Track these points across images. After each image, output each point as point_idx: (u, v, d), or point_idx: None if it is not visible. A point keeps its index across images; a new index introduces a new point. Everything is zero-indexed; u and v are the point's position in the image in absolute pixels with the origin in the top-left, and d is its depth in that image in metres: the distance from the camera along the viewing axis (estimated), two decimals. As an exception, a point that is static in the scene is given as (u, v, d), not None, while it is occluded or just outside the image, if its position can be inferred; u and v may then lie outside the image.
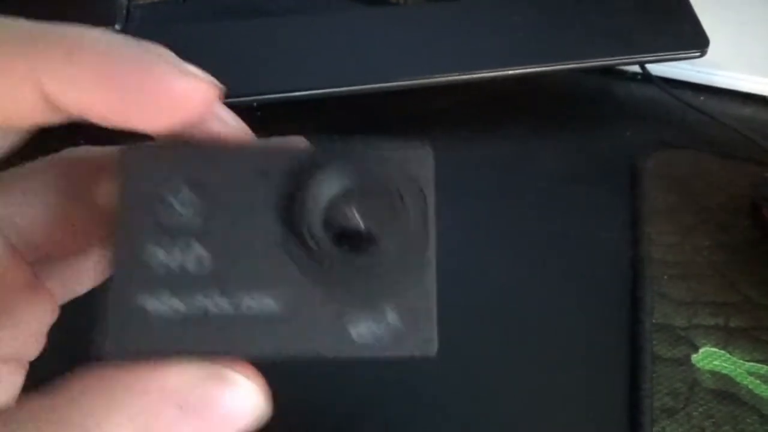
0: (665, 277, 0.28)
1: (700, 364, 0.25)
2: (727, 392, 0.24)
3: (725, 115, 0.34)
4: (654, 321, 0.26)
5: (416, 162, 0.15)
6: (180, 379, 0.12)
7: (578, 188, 0.32)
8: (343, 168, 0.14)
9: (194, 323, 0.13)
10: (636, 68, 0.36)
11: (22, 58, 0.12)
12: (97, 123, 0.14)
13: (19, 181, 0.16)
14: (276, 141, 0.16)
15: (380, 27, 0.35)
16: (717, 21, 0.35)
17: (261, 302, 0.14)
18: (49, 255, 0.16)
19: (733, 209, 0.30)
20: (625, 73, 0.37)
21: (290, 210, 0.14)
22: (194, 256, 0.14)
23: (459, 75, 0.32)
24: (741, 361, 0.25)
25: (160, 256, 0.14)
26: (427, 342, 0.14)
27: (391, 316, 0.14)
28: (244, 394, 0.13)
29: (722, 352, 0.25)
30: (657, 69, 0.36)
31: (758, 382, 0.25)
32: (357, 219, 0.14)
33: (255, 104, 0.32)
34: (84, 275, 0.17)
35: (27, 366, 0.16)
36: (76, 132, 0.19)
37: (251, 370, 0.14)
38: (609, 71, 0.37)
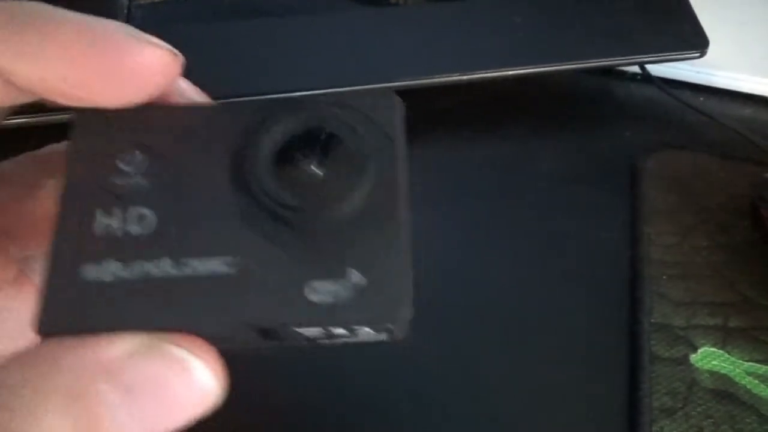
0: (664, 277, 0.28)
1: (698, 364, 0.25)
2: (725, 392, 0.24)
3: (725, 115, 0.34)
4: (653, 321, 0.26)
5: (381, 109, 0.14)
6: (115, 352, 0.11)
7: (578, 188, 0.32)
8: (295, 116, 0.13)
9: (137, 289, 0.12)
10: (636, 69, 0.36)
11: None
12: (59, 102, 0.13)
13: (4, 176, 0.16)
14: (234, 103, 0.14)
15: (380, 27, 0.35)
16: (717, 21, 0.35)
17: (210, 265, 0.12)
18: (35, 249, 0.16)
19: (733, 209, 0.30)
20: (624, 73, 0.37)
21: (242, 166, 0.13)
22: (140, 219, 0.13)
23: (459, 75, 0.32)
24: (740, 361, 0.25)
25: (104, 220, 0.13)
26: (396, 303, 0.12)
27: (355, 276, 0.12)
28: (188, 372, 0.12)
29: (721, 352, 0.25)
30: (657, 69, 0.36)
31: (757, 381, 0.25)
32: (311, 168, 0.13)
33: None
34: None
35: None
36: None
37: (203, 346, 0.12)
38: (609, 72, 0.37)
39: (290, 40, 0.34)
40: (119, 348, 0.11)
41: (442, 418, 0.24)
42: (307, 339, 0.13)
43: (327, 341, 0.13)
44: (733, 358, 0.25)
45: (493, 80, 0.33)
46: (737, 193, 0.31)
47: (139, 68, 0.13)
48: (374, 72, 0.33)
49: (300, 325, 0.12)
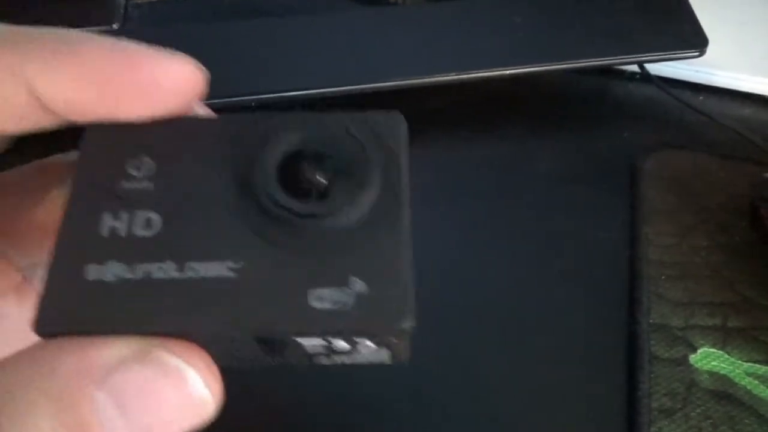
0: (663, 277, 0.28)
1: (698, 365, 0.25)
2: (725, 393, 0.24)
3: (724, 115, 0.34)
4: (651, 321, 0.26)
5: (385, 124, 0.14)
6: (108, 357, 0.11)
7: (576, 188, 0.32)
8: (302, 129, 0.13)
9: (138, 290, 0.12)
10: (635, 68, 0.36)
11: (10, 56, 0.12)
12: (85, 123, 0.13)
13: (9, 184, 0.16)
14: (241, 115, 0.15)
15: (380, 27, 0.35)
16: (716, 20, 0.35)
17: (213, 269, 0.12)
18: (39, 256, 0.16)
19: (732, 209, 0.30)
20: (623, 72, 0.37)
21: (248, 173, 0.13)
22: (146, 223, 0.13)
23: (458, 75, 0.32)
24: (739, 362, 0.25)
25: (110, 222, 0.13)
26: (398, 313, 0.12)
27: (358, 285, 0.12)
28: (183, 382, 0.11)
29: (720, 352, 0.25)
30: (656, 69, 0.36)
31: (756, 382, 0.25)
32: (316, 176, 0.13)
33: (253, 104, 0.32)
34: None
35: None
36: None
37: (199, 355, 0.12)
38: (608, 71, 0.37)
39: (290, 40, 0.34)
40: (112, 353, 0.11)
41: (442, 418, 0.24)
42: (308, 355, 0.13)
43: (327, 359, 0.13)
44: (732, 359, 0.25)
45: (492, 80, 0.33)
46: (737, 193, 0.31)
47: (168, 82, 0.13)
48: (373, 71, 0.33)
49: (301, 333, 0.12)
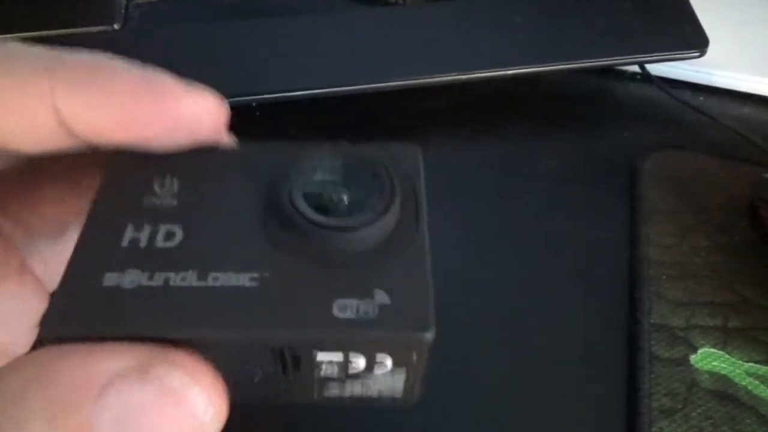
0: (663, 277, 0.28)
1: (698, 365, 0.25)
2: (725, 393, 0.24)
3: (724, 115, 0.34)
4: (652, 321, 0.26)
5: (403, 154, 0.15)
6: (107, 370, 0.11)
7: (577, 188, 0.32)
8: (325, 154, 0.14)
9: (154, 297, 0.12)
10: (635, 68, 0.36)
11: (40, 79, 0.13)
12: (108, 147, 0.14)
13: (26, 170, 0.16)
14: (267, 143, 0.15)
15: (380, 27, 0.35)
16: (716, 21, 0.35)
17: (235, 279, 0.12)
18: (39, 229, 0.16)
19: (732, 210, 0.30)
20: (624, 73, 0.37)
21: (275, 188, 0.13)
22: (169, 235, 0.13)
23: (458, 75, 0.32)
24: (740, 362, 0.25)
25: (129, 233, 0.13)
26: (421, 321, 0.12)
27: (381, 296, 0.12)
28: (184, 404, 0.11)
29: (721, 352, 0.25)
30: (656, 69, 0.36)
31: (757, 382, 0.25)
32: (341, 196, 0.13)
33: (254, 104, 0.32)
34: None
35: None
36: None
37: (204, 373, 0.11)
38: (608, 71, 0.37)
39: (290, 40, 0.34)
40: (111, 365, 0.11)
41: (442, 418, 0.24)
42: (321, 380, 0.13)
43: (338, 388, 0.13)
44: (733, 359, 0.25)
45: (492, 80, 0.33)
46: (736, 193, 0.31)
47: (193, 117, 0.13)
48: (373, 72, 0.33)
49: (323, 342, 0.12)
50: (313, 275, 0.12)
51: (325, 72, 0.33)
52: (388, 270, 0.13)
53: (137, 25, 0.39)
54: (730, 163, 0.32)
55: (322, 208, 0.13)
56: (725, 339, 0.26)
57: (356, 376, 0.13)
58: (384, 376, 0.13)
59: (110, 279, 0.12)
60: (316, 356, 0.12)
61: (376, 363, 0.12)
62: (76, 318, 0.12)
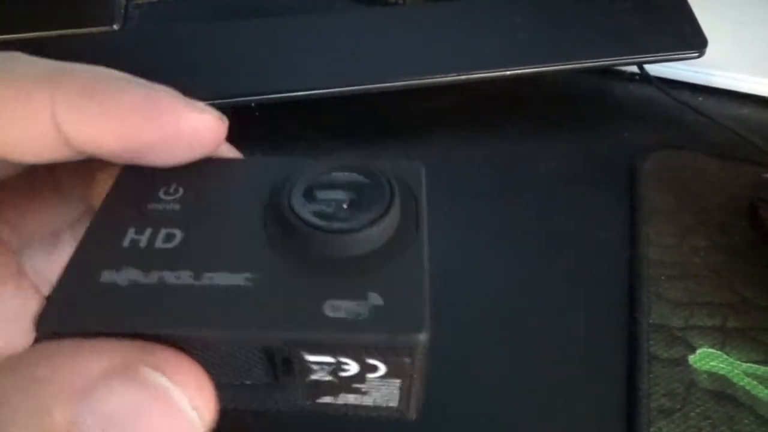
0: (663, 277, 0.28)
1: (697, 365, 0.25)
2: (724, 393, 0.24)
3: (723, 115, 0.34)
4: (651, 321, 0.26)
5: (406, 169, 0.15)
6: (91, 370, 0.11)
7: (576, 188, 0.32)
8: (332, 163, 0.14)
9: (148, 293, 0.12)
10: (634, 69, 0.36)
11: (41, 92, 0.13)
12: (105, 159, 0.14)
13: (25, 176, 0.16)
14: (271, 157, 0.16)
15: (380, 27, 0.35)
16: (715, 21, 0.35)
17: (229, 279, 0.12)
18: (33, 229, 0.16)
19: (731, 210, 0.30)
20: (623, 73, 0.37)
21: (276, 195, 0.13)
22: (168, 237, 0.13)
23: (458, 75, 0.32)
24: (738, 362, 0.25)
25: (130, 235, 0.13)
26: (414, 322, 0.12)
27: (375, 298, 0.12)
28: (169, 404, 0.11)
29: (719, 353, 0.26)
30: (655, 69, 0.36)
31: (755, 383, 0.25)
32: (341, 201, 0.13)
33: (253, 104, 0.32)
34: None
35: None
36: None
37: (190, 372, 0.11)
38: (607, 72, 0.37)
39: (290, 40, 0.34)
40: (94, 365, 0.11)
41: (442, 418, 0.24)
42: (313, 384, 0.13)
43: (331, 394, 0.13)
44: (731, 359, 0.25)
45: (492, 80, 0.33)
46: (736, 193, 0.31)
47: (192, 134, 0.14)
48: (373, 72, 0.33)
49: (312, 342, 0.12)
50: (307, 277, 0.12)
51: (325, 72, 0.33)
52: (383, 274, 0.12)
53: (137, 26, 0.39)
54: (730, 163, 0.32)
55: (322, 214, 0.13)
56: (724, 339, 0.26)
57: (349, 381, 0.13)
58: (378, 383, 0.13)
59: (107, 276, 0.12)
60: (305, 358, 0.12)
61: (368, 366, 0.12)
62: (71, 313, 0.12)
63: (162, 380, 0.11)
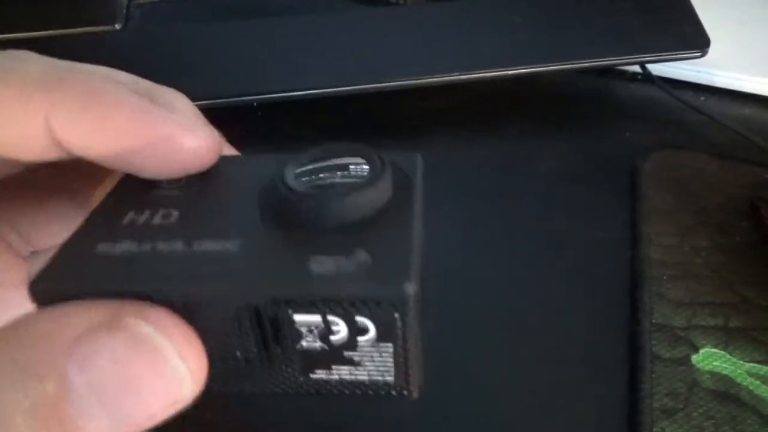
0: (664, 277, 0.28)
1: (700, 365, 0.25)
2: (726, 393, 0.24)
3: (725, 115, 0.34)
4: (653, 321, 0.26)
5: (404, 160, 0.15)
6: (77, 325, 0.11)
7: (577, 188, 0.32)
8: (328, 146, 0.15)
9: (139, 259, 0.12)
10: (636, 68, 0.36)
11: (38, 99, 0.13)
12: (95, 162, 0.14)
13: (39, 181, 0.16)
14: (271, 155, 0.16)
15: (380, 27, 0.35)
16: (718, 21, 0.35)
17: (219, 245, 0.13)
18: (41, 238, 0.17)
19: (732, 210, 0.30)
20: (625, 73, 0.37)
21: (271, 179, 0.14)
22: (164, 216, 0.14)
23: (459, 75, 0.32)
24: (741, 362, 0.25)
25: (130, 215, 0.14)
26: (400, 275, 0.12)
27: (362, 255, 0.12)
28: (155, 354, 0.11)
29: (722, 352, 0.25)
30: (657, 69, 0.36)
31: (758, 382, 0.25)
32: (333, 175, 0.14)
33: (255, 104, 0.32)
34: None
35: None
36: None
37: (176, 325, 0.11)
38: (609, 71, 0.37)
39: (290, 40, 0.34)
40: (80, 320, 0.11)
41: (442, 418, 0.24)
42: (303, 353, 0.13)
43: (324, 366, 0.13)
44: (734, 359, 0.25)
45: (493, 80, 0.33)
46: (737, 193, 0.31)
47: (185, 154, 0.14)
48: (373, 72, 0.33)
49: (298, 298, 0.12)
50: (296, 241, 0.13)
51: (325, 72, 0.33)
52: (372, 234, 0.13)
53: (138, 25, 0.39)
54: (731, 164, 0.32)
55: (314, 186, 0.14)
56: (726, 339, 0.26)
57: (340, 349, 0.13)
58: (370, 349, 0.12)
59: (102, 248, 0.13)
60: (293, 318, 0.12)
61: (358, 328, 0.12)
62: (64, 278, 0.12)
63: (148, 329, 0.11)
